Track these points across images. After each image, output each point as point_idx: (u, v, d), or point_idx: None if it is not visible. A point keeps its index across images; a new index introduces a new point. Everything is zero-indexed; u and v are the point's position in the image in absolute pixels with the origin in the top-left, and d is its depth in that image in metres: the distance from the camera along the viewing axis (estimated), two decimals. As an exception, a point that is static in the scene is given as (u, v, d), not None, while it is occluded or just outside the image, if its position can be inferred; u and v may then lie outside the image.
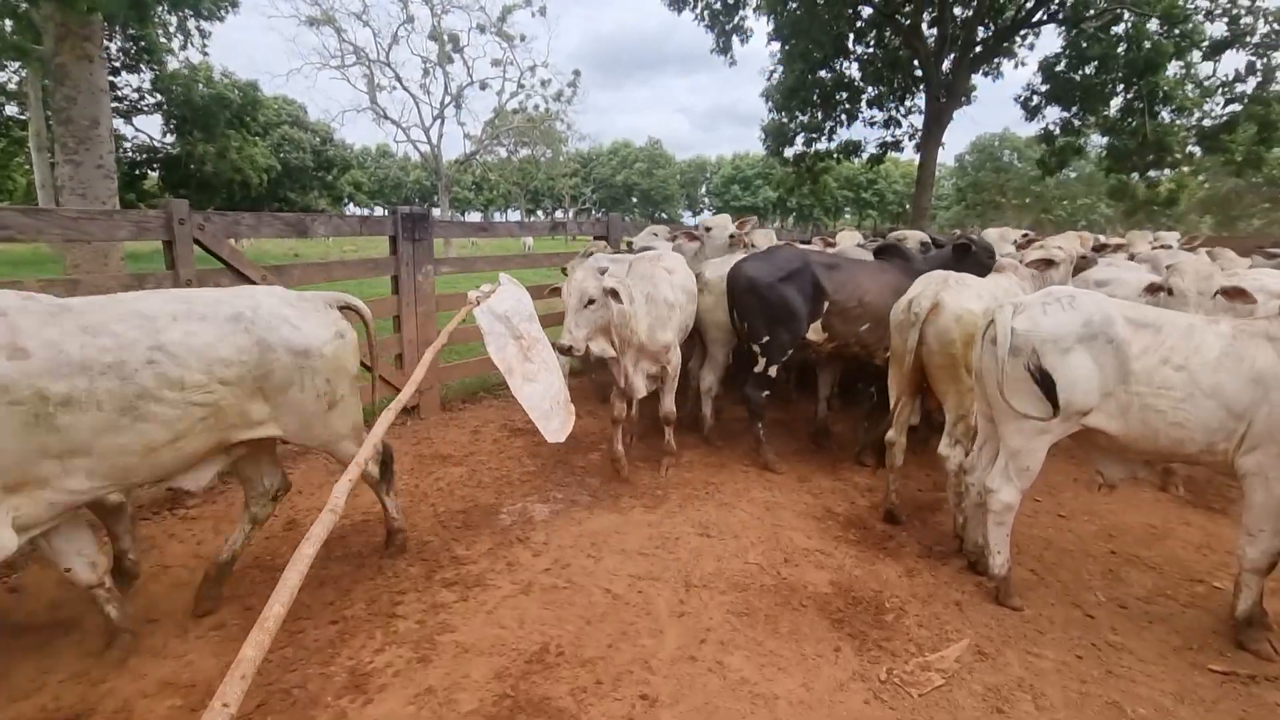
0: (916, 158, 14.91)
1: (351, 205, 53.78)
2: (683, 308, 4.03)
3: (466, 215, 59.25)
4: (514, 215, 63.57)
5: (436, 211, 23.86)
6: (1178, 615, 2.79)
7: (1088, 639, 2.60)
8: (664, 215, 65.05)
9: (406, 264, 4.67)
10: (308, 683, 2.19)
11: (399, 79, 25.27)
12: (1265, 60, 11.20)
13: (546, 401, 2.85)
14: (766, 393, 4.26)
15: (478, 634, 2.46)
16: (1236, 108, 11.65)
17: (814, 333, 4.16)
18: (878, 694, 2.24)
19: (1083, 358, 2.52)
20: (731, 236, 5.09)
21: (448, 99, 25.87)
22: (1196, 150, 12.45)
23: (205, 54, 22.56)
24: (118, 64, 21.78)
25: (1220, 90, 12.02)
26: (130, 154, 24.99)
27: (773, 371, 4.16)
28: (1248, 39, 11.22)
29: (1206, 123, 12.36)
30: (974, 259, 4.29)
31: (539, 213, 67.96)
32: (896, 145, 15.07)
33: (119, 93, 22.50)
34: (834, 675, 2.32)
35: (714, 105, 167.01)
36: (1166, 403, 2.42)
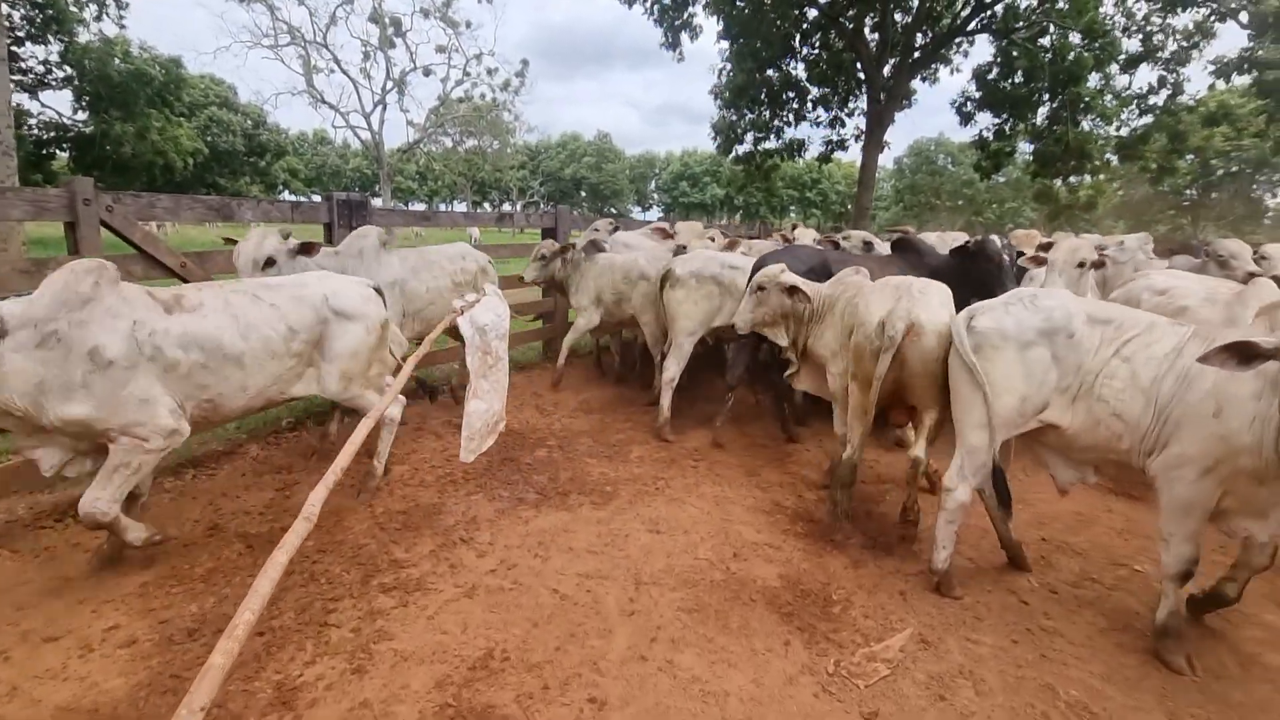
0: (860, 158, 15.32)
1: (287, 193, 51.36)
2: None
3: (410, 206, 57.47)
4: (460, 207, 62.16)
5: (378, 201, 23.05)
6: (1104, 598, 2.92)
7: (1023, 624, 2.69)
8: (613, 210, 64.83)
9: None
10: (228, 701, 2.04)
11: (337, 62, 24.31)
12: (1175, 75, 12.03)
13: (479, 422, 2.88)
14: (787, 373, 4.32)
15: (418, 641, 2.35)
16: (1149, 120, 12.46)
17: None
18: (826, 687, 2.25)
19: (1041, 352, 2.63)
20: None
21: (390, 84, 25.02)
22: (1114, 159, 13.24)
23: (122, 26, 21.10)
24: (21, 33, 20.06)
25: (1136, 102, 12.83)
26: (36, 131, 23.09)
27: (793, 355, 4.17)
28: (1159, 55, 12.01)
29: (1124, 132, 13.17)
30: (982, 259, 4.24)
31: (485, 205, 66.66)
32: (842, 145, 15.47)
33: (21, 64, 20.74)
34: (783, 669, 2.32)
35: (665, 102, 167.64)
36: (1110, 391, 2.50)
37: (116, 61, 22.12)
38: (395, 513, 3.36)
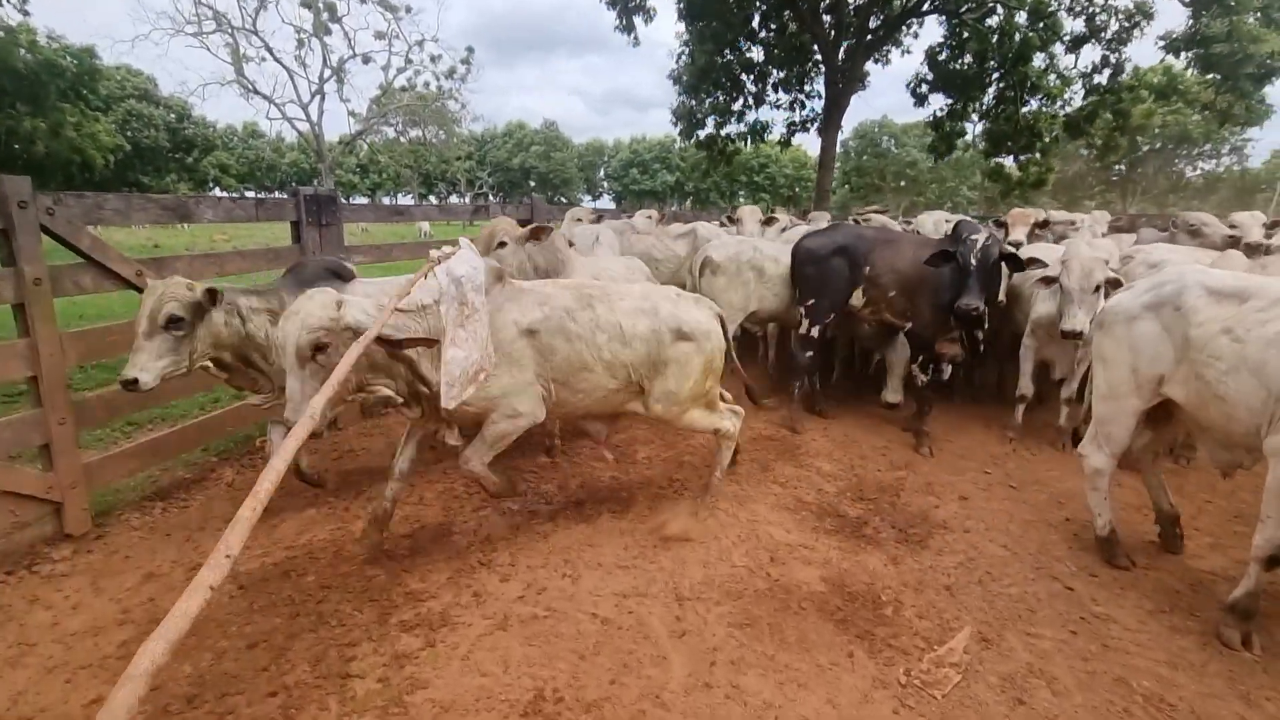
0: (817, 141, 15.38)
1: (218, 190, 48.65)
2: None
3: (352, 200, 55.18)
4: (406, 199, 60.11)
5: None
6: (1142, 579, 2.90)
7: (1075, 613, 2.63)
8: (563, 199, 63.93)
9: (313, 253, 4.06)
10: (250, 781, 1.76)
11: (269, 49, 22.92)
12: (1117, 55, 12.43)
13: (458, 369, 2.82)
14: (810, 353, 4.62)
15: (456, 687, 2.10)
16: (1094, 98, 12.87)
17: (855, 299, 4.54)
18: (903, 700, 2.11)
19: (1148, 325, 2.67)
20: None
21: (327, 73, 23.80)
22: (1062, 136, 13.66)
23: (26, 14, 19.33)
24: (-95, 21, 18.18)
25: (1081, 81, 13.23)
26: (-71, 129, 21.02)
27: (814, 332, 4.58)
28: (1102, 35, 12.39)
29: (1069, 110, 13.58)
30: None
31: (431, 197, 64.67)
32: (804, 127, 15.46)
33: (-91, 55, 18.83)
34: (855, 685, 2.18)
35: (609, 89, 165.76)
36: (1213, 373, 2.43)
37: (22, 52, 20.28)
38: (400, 536, 3.07)
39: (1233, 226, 5.42)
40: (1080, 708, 2.12)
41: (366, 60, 25.26)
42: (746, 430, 4.62)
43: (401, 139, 31.19)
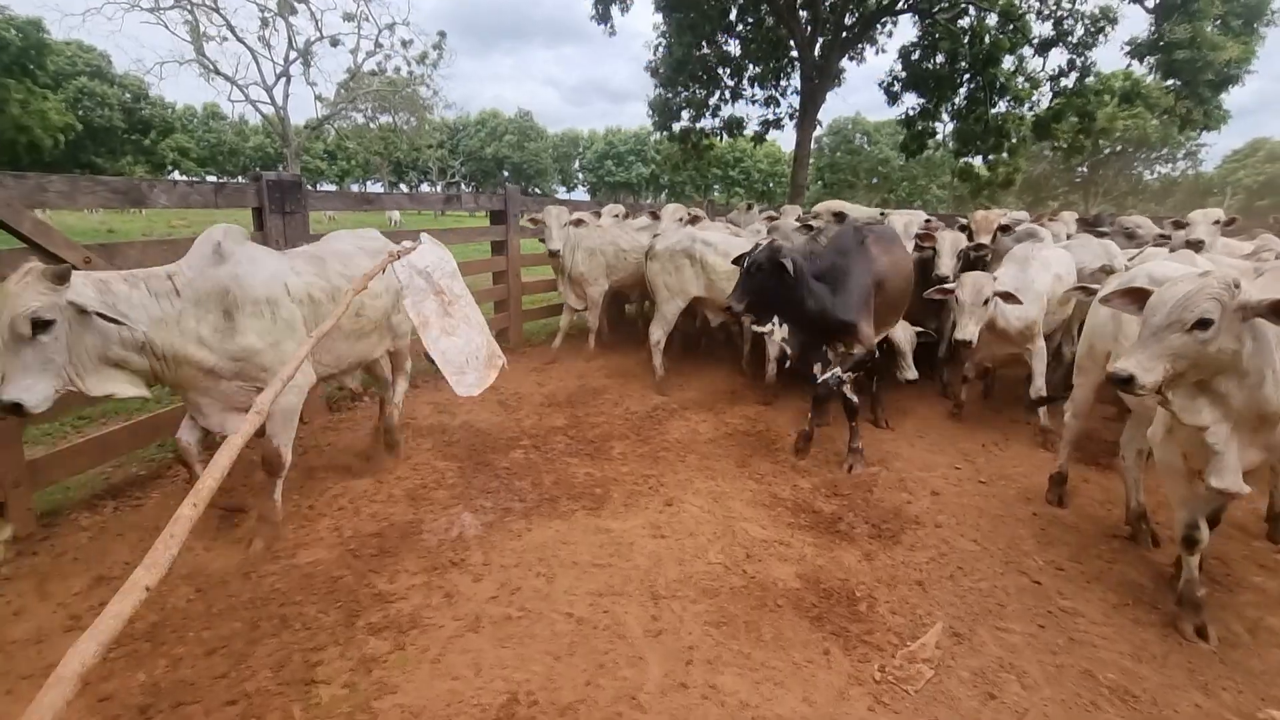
0: (792, 137, 15.45)
1: (177, 173, 46.95)
2: None
3: (318, 187, 53.76)
4: (376, 187, 58.85)
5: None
6: (1107, 572, 2.96)
7: (1043, 607, 2.68)
8: (537, 189, 63.28)
9: (276, 242, 3.90)
10: (207, 795, 1.68)
11: (231, 28, 22.09)
12: (1083, 58, 12.73)
13: (463, 356, 2.92)
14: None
15: (426, 692, 2.04)
16: (1061, 101, 13.17)
17: None
18: (879, 698, 2.12)
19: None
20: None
21: (293, 54, 23.06)
22: (1030, 137, 13.96)
23: (-36, -19, 18.34)
24: None
25: (1049, 83, 13.52)
26: None
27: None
28: (1069, 39, 12.67)
29: (1037, 112, 13.87)
30: None
31: (402, 185, 63.42)
32: (778, 124, 15.51)
33: None
34: (831, 682, 2.18)
35: (584, 79, 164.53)
36: None
37: (-40, 22, 19.24)
38: (367, 536, 2.98)
39: (1184, 225, 5.63)
40: (1049, 701, 2.15)
41: (335, 43, 24.55)
42: (721, 425, 4.64)
43: (371, 125, 30.45)
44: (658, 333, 5.37)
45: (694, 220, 6.21)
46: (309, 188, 4.10)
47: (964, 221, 5.75)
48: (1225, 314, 2.00)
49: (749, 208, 7.96)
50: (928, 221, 5.59)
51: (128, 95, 36.13)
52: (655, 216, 6.58)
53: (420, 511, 3.23)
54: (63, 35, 26.48)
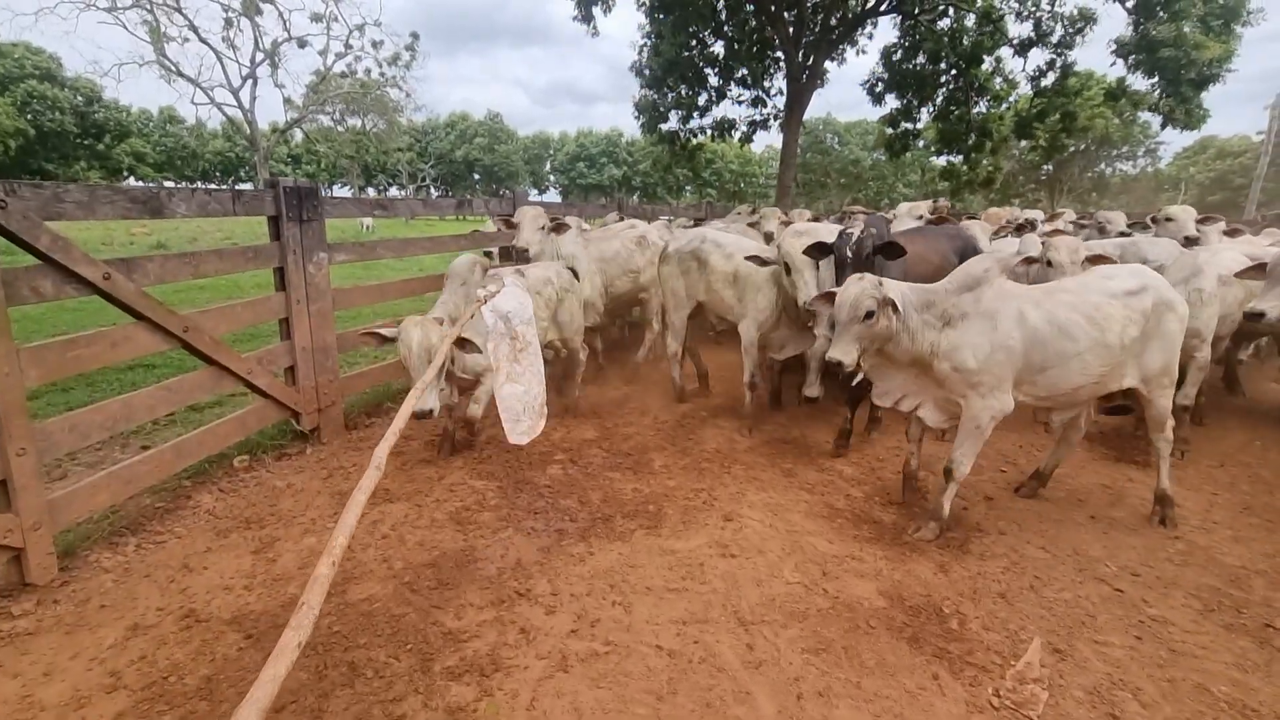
0: (764, 138, 15.46)
1: (132, 179, 45.23)
2: None
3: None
4: (344, 191, 57.53)
5: (247, 187, 20.60)
6: (1181, 575, 2.92)
7: (1133, 616, 2.61)
8: (509, 192, 62.58)
9: (294, 251, 3.67)
10: None
11: (193, 28, 21.29)
12: (1062, 58, 12.98)
13: (521, 404, 3.13)
14: None
15: (530, 744, 1.87)
16: (1042, 100, 13.43)
17: None
18: (1004, 726, 2.01)
19: None
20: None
21: (260, 56, 22.35)
22: (1011, 135, 14.21)
23: (-96, -22, 17.30)
24: None
25: (1029, 83, 13.77)
26: None
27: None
28: (1049, 39, 12.91)
29: (1018, 112, 14.13)
30: None
31: (370, 189, 62.14)
32: (764, 124, 15.51)
33: None
34: (951, 711, 2.07)
35: (553, 81, 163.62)
36: None
37: (-100, 22, 18.14)
38: (420, 566, 2.79)
39: (1169, 220, 5.73)
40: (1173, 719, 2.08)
41: (303, 44, 23.88)
42: (758, 434, 4.52)
43: (339, 128, 29.73)
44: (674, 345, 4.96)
45: (558, 229, 5.12)
46: (325, 194, 3.87)
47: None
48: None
49: (753, 210, 7.81)
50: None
51: (80, 99, 34.72)
52: (510, 225, 5.20)
53: (470, 537, 3.04)
54: (13, 36, 25.18)
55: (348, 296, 4.28)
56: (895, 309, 2.82)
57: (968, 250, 4.63)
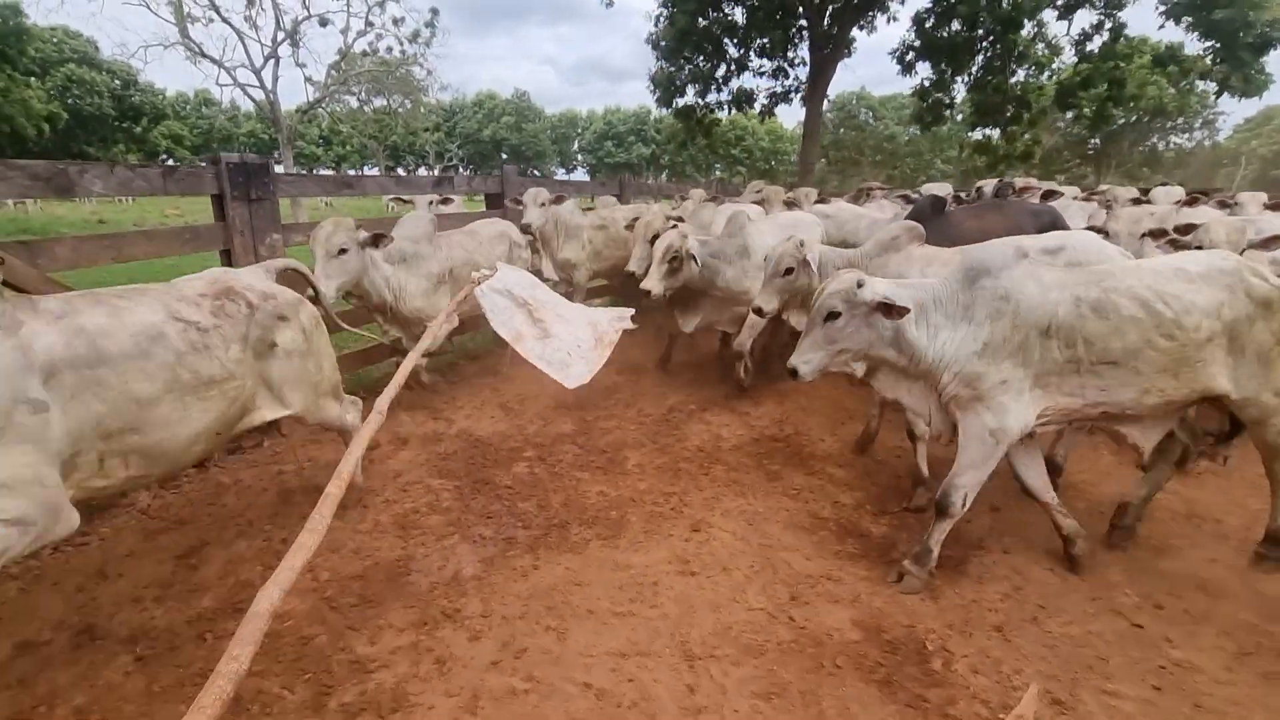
0: (794, 114, 14.80)
1: (171, 162, 46.25)
2: None
3: (315, 172, 52.77)
4: (372, 172, 58.02)
5: (279, 168, 20.72)
6: (1214, 611, 2.52)
7: (1151, 660, 2.24)
8: (536, 172, 62.39)
9: (242, 233, 3.44)
10: None
11: (215, 8, 21.30)
12: (1112, 19, 11.99)
13: (562, 351, 3.05)
14: None
15: (410, 809, 1.61)
16: (1088, 66, 12.47)
17: None
18: (980, 802, 1.69)
19: None
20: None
21: (281, 35, 22.31)
22: (1051, 106, 13.29)
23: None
24: None
25: (1073, 48, 12.80)
26: None
27: None
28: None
29: (1060, 79, 13.19)
30: None
31: (399, 169, 62.50)
32: (785, 97, 14.81)
33: None
34: (917, 780, 1.75)
35: (582, 58, 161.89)
36: None
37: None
38: (348, 578, 2.55)
39: (1236, 204, 5.22)
40: (1191, 801, 1.72)
41: (324, 23, 23.71)
42: (746, 429, 4.19)
43: (365, 108, 29.68)
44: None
45: (445, 201, 5.66)
46: (278, 171, 3.61)
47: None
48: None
49: (758, 190, 7.37)
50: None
51: (117, 82, 35.38)
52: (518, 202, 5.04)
53: (410, 545, 2.80)
54: (42, 20, 25.64)
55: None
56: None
57: (1049, 229, 4.22)
